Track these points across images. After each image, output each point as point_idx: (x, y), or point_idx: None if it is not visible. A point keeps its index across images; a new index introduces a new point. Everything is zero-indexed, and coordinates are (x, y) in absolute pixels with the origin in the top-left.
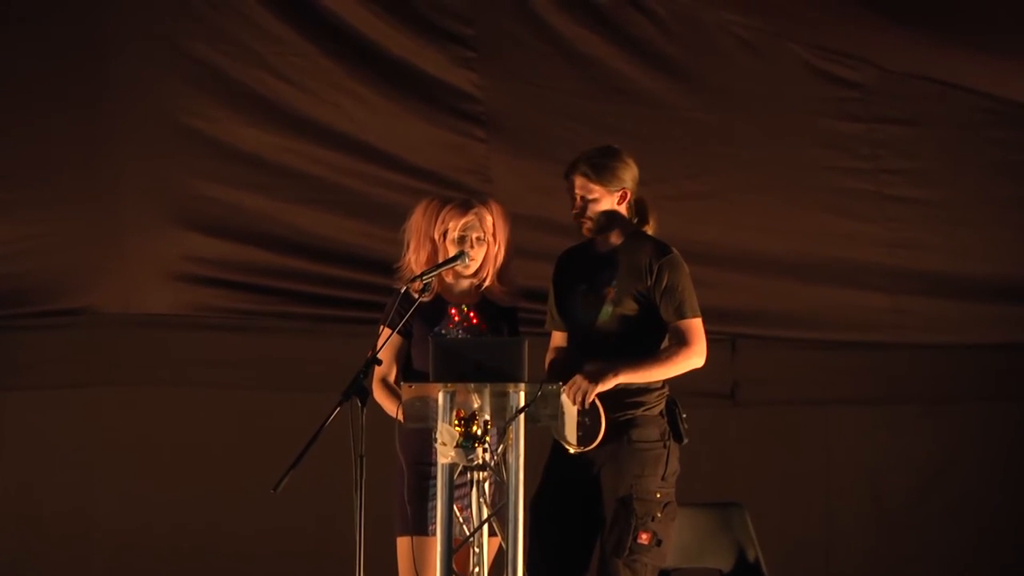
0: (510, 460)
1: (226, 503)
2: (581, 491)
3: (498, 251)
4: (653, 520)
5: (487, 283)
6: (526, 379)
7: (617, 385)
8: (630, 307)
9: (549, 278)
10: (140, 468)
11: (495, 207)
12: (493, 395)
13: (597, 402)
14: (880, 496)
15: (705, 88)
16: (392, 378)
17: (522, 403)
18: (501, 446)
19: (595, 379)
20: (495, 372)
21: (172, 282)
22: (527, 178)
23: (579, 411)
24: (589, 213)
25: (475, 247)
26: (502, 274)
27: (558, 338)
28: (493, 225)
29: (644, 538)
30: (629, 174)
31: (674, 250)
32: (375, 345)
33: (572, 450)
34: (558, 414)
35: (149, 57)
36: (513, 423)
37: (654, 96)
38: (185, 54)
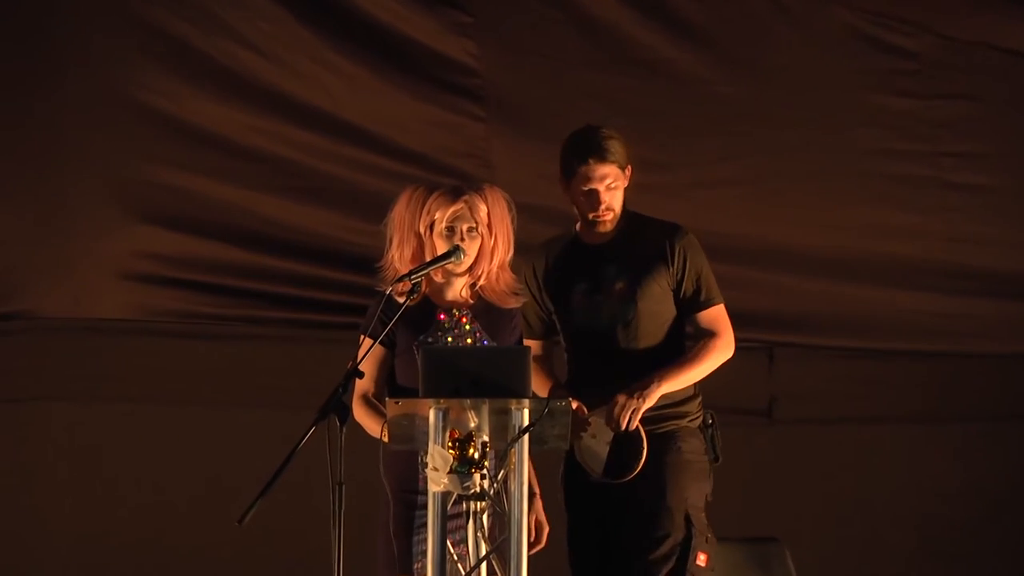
0: (512, 488)
1: (188, 537)
2: (622, 510)
3: (494, 244)
4: (707, 541)
5: (482, 282)
6: (530, 393)
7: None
8: (654, 300)
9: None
10: (87, 497)
11: (491, 194)
12: (492, 412)
13: (639, 425)
14: (932, 527)
15: (736, 59)
16: (375, 393)
17: (526, 422)
18: (502, 472)
19: (642, 395)
20: (494, 385)
21: (125, 282)
22: (532, 163)
23: (613, 436)
24: (614, 204)
25: (466, 240)
26: (500, 271)
27: (537, 347)
28: (488, 215)
29: (703, 559)
30: (629, 151)
31: (688, 230)
32: (356, 355)
33: (601, 479)
34: (582, 438)
35: (99, 24)
36: (516, 445)
37: (677, 68)
38: (140, 21)
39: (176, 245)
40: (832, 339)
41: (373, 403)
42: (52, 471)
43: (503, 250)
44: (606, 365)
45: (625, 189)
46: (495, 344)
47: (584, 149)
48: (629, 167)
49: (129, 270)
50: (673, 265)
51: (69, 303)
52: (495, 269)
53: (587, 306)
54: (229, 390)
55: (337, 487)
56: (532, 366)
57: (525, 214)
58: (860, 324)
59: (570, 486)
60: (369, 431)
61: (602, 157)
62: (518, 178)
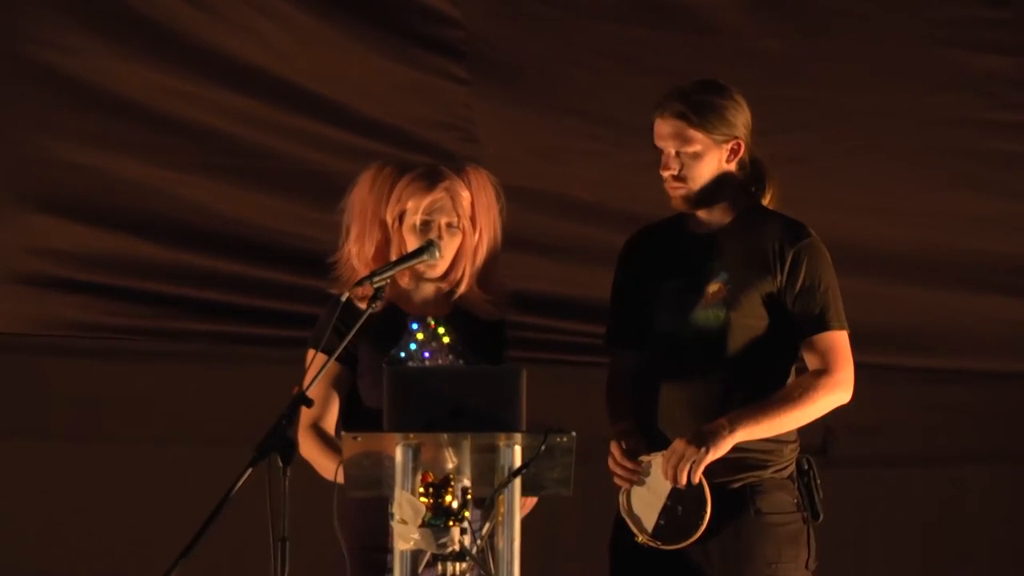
0: (500, 546)
1: None
2: None
3: (478, 242)
4: None
5: (463, 288)
6: (524, 426)
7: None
8: (752, 314)
9: (572, 276)
10: None
11: (476, 178)
12: (475, 450)
13: (702, 478)
14: None
15: (784, 6)
16: (329, 424)
17: (518, 462)
18: (487, 525)
19: (705, 443)
20: (478, 416)
21: (14, 287)
22: (525, 135)
23: (672, 489)
24: (687, 174)
25: (444, 237)
26: (485, 274)
27: (626, 361)
28: (472, 206)
29: None
30: (742, 119)
31: (812, 231)
32: (303, 376)
33: (649, 542)
34: (632, 489)
35: None
36: (505, 491)
37: (708, 17)
38: None
39: (79, 239)
40: (902, 358)
41: (326, 436)
42: None
43: (488, 249)
44: (680, 390)
45: (736, 166)
46: (479, 364)
47: (657, 102)
48: (736, 141)
49: (19, 271)
50: (781, 272)
51: None
52: (478, 272)
53: (675, 307)
54: (144, 422)
55: (279, 543)
56: (612, 389)
57: (515, 200)
58: (938, 339)
59: (619, 552)
60: (321, 472)
61: (661, 109)
62: (508, 154)
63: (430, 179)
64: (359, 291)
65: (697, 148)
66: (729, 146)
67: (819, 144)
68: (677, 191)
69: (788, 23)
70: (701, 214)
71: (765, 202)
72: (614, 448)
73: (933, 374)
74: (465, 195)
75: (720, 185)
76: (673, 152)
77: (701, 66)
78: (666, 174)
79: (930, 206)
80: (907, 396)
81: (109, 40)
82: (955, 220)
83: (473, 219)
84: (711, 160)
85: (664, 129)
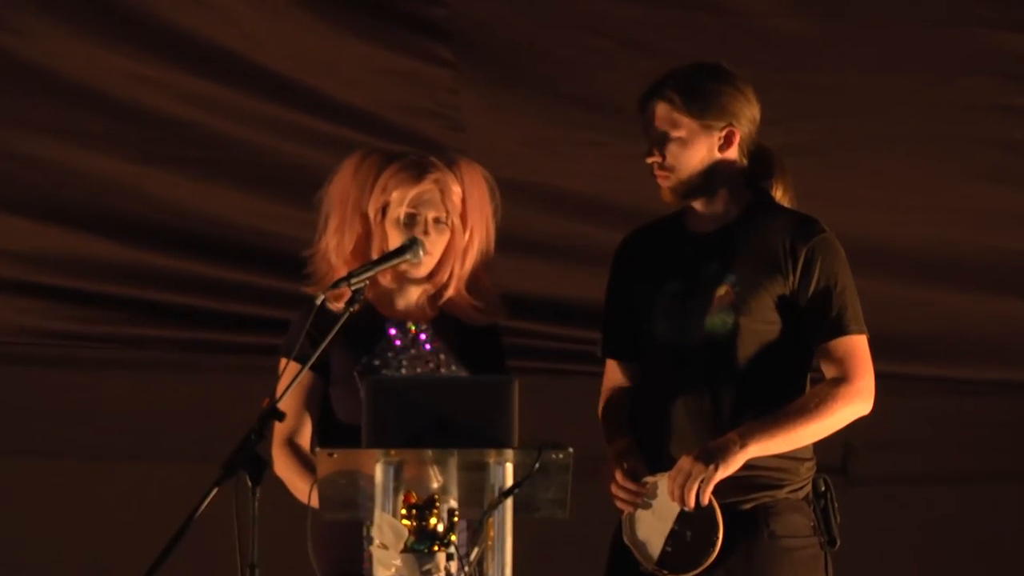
0: (490, 573)
1: None
2: None
3: (468, 242)
4: None
5: (450, 291)
6: (516, 442)
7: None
8: (763, 319)
9: (567, 278)
10: None
11: (469, 173)
12: (463, 468)
13: (712, 498)
14: None
15: None
16: (305, 439)
17: (510, 481)
18: (476, 551)
19: (714, 460)
20: (466, 430)
21: None
22: (516, 124)
23: (680, 512)
24: (673, 162)
25: (431, 233)
26: (474, 279)
27: (619, 372)
28: (463, 202)
29: None
30: (741, 106)
31: (825, 226)
32: (274, 388)
33: (656, 572)
34: (636, 513)
35: None
36: (496, 513)
37: None
38: None
39: (28, 237)
40: (928, 367)
41: (302, 453)
42: None
43: (480, 249)
44: (685, 404)
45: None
46: (468, 373)
47: (649, 86)
48: (730, 128)
49: None
50: (793, 272)
51: None
52: (467, 273)
53: (677, 313)
54: (99, 436)
55: (248, 571)
56: (608, 404)
57: (505, 194)
58: (968, 347)
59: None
60: (295, 493)
61: (651, 94)
62: (497, 144)
63: (418, 169)
64: (335, 292)
65: (682, 133)
66: (722, 134)
67: (834, 134)
68: (664, 181)
69: (801, 2)
70: (702, 210)
71: (777, 197)
72: (614, 469)
73: (957, 384)
74: (456, 190)
75: (712, 175)
76: (658, 138)
77: (707, 48)
78: (650, 161)
79: (956, 200)
80: (934, 409)
81: (63, 21)
82: (982, 216)
83: (464, 217)
84: (698, 147)
85: (654, 114)
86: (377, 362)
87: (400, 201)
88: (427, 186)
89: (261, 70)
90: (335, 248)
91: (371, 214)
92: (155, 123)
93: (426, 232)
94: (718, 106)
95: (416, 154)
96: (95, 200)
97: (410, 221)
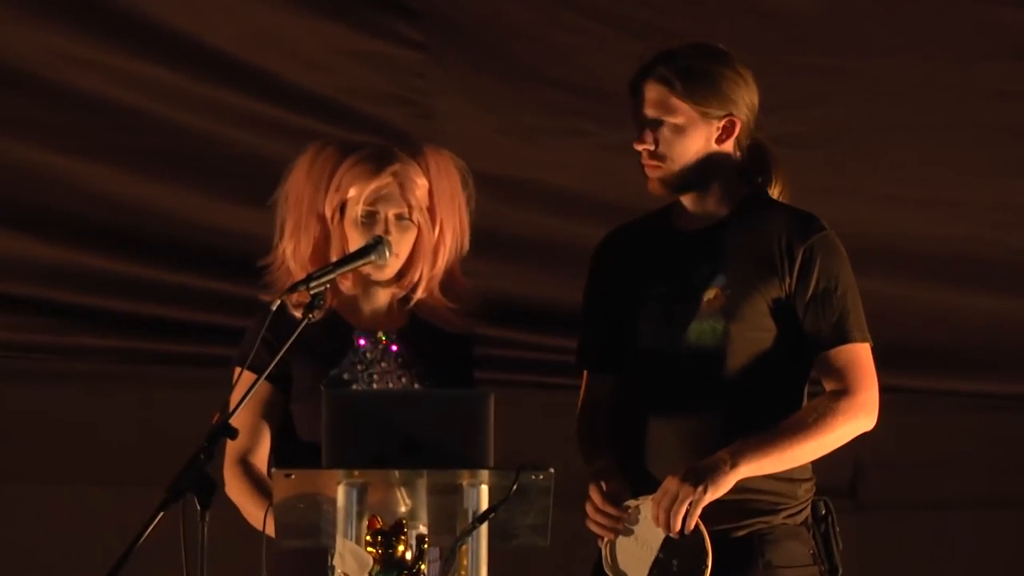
0: None
1: None
2: None
3: (439, 238)
4: None
5: (419, 293)
6: (492, 462)
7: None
8: (756, 325)
9: (548, 280)
10: None
11: (437, 162)
12: (433, 491)
13: (700, 524)
14: None
15: None
16: (261, 458)
17: (485, 504)
18: None
19: (702, 480)
20: (437, 449)
21: None
22: (492, 110)
23: (665, 539)
24: (666, 151)
25: (394, 232)
26: (449, 278)
27: (599, 384)
28: (429, 194)
29: None
30: (742, 93)
31: (825, 224)
32: (226, 401)
33: None
34: (617, 540)
35: None
36: (469, 540)
37: None
38: None
39: None
40: (946, 380)
41: (256, 475)
42: None
43: (452, 246)
44: (671, 419)
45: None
46: (439, 387)
47: (641, 66)
48: (730, 118)
49: None
50: (790, 273)
51: None
52: (438, 275)
53: (662, 319)
54: (34, 455)
55: None
56: (586, 421)
57: (479, 188)
58: (994, 357)
59: None
60: (248, 518)
61: (643, 74)
62: (471, 133)
63: (376, 162)
64: (294, 298)
65: (679, 120)
66: (721, 123)
67: (846, 122)
68: (654, 171)
69: None
70: (691, 207)
71: (777, 193)
72: (593, 492)
73: (978, 399)
74: (420, 182)
75: (707, 168)
76: (651, 123)
77: (704, 28)
78: (640, 148)
79: (976, 196)
80: (954, 426)
81: None
82: (1006, 212)
83: (432, 211)
84: (696, 137)
85: (644, 93)
86: (346, 375)
87: (358, 199)
88: (385, 180)
89: (211, 52)
90: (292, 253)
91: (328, 214)
92: (92, 110)
93: (387, 231)
94: (719, 92)
95: (376, 145)
96: (27, 196)
97: (369, 219)
